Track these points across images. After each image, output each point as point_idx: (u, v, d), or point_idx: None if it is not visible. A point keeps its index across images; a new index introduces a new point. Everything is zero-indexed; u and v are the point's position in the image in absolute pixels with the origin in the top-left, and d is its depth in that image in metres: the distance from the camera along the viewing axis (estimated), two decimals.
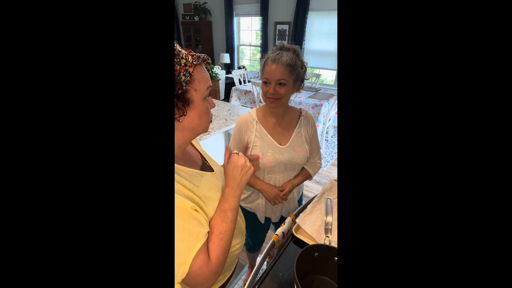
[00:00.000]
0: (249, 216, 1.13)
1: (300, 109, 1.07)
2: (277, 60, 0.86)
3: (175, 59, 0.48)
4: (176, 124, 0.54)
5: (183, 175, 0.56)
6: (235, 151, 0.67)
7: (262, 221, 1.15)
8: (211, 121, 0.61)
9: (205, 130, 0.60)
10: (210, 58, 0.58)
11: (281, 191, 1.04)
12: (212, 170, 0.69)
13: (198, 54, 0.52)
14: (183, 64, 0.49)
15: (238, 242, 0.72)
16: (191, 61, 0.50)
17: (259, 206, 1.11)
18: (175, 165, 0.56)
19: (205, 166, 0.69)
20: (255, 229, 1.21)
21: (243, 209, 1.14)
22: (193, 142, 0.76)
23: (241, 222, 0.76)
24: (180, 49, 0.50)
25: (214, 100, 0.64)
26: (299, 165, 1.05)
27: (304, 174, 1.08)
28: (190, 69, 0.50)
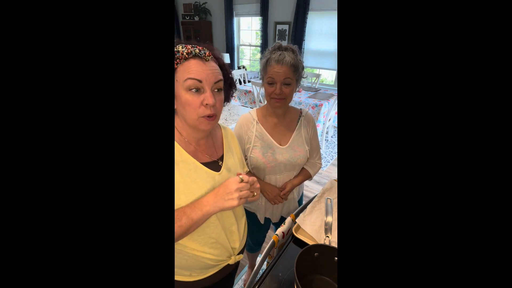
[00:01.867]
0: (249, 216, 1.12)
1: (301, 109, 1.07)
2: (281, 60, 0.87)
3: None
4: (177, 113, 0.62)
5: (175, 157, 0.60)
6: (241, 176, 0.60)
7: (262, 221, 1.14)
8: (209, 119, 0.60)
9: (194, 122, 0.60)
10: (206, 53, 0.59)
11: (281, 191, 1.04)
12: (218, 171, 0.68)
13: (187, 51, 0.57)
14: None
15: (216, 255, 0.69)
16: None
17: (259, 207, 1.11)
18: (177, 145, 0.62)
19: (215, 164, 0.69)
20: (255, 229, 1.21)
21: None
22: (227, 143, 0.77)
23: (224, 235, 0.71)
24: (181, 49, 0.57)
25: None
26: (299, 166, 1.05)
27: (304, 174, 1.08)
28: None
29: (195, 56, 0.57)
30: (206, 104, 0.58)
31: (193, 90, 0.57)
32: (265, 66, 0.91)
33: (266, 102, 1.01)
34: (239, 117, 1.04)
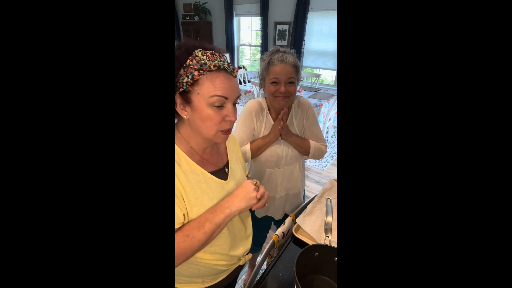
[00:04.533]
0: (252, 215, 1.13)
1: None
2: (284, 60, 0.88)
3: (189, 61, 0.53)
4: (187, 122, 0.60)
5: (184, 168, 0.58)
6: (255, 180, 0.67)
7: (259, 216, 1.14)
8: (225, 133, 0.60)
9: (212, 137, 0.60)
10: (235, 69, 0.57)
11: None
12: (225, 179, 0.68)
13: (214, 63, 0.54)
14: (190, 67, 0.53)
15: (228, 260, 0.70)
16: (192, 66, 0.53)
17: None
18: (184, 155, 0.60)
19: (222, 172, 0.68)
20: (256, 229, 1.21)
21: None
22: (230, 148, 0.76)
23: (235, 242, 0.71)
24: (201, 55, 0.54)
25: None
26: (297, 157, 1.06)
27: (305, 143, 1.03)
28: (194, 73, 0.53)
29: (222, 69, 0.55)
30: (228, 120, 0.58)
31: (217, 106, 0.56)
32: (267, 66, 0.91)
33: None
34: (248, 102, 1.02)
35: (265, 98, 1.03)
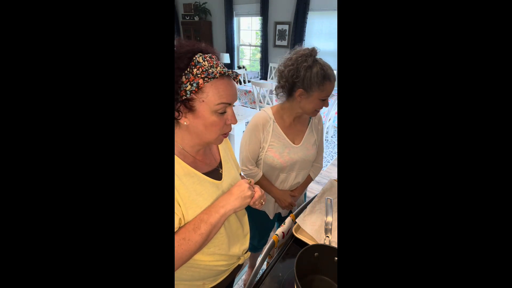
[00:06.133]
0: (257, 217, 1.14)
1: None
2: (334, 78, 0.89)
3: (190, 68, 0.52)
4: (184, 127, 0.58)
5: (177, 171, 0.57)
6: (250, 179, 0.66)
7: (271, 216, 1.16)
8: (225, 136, 0.62)
9: (213, 141, 0.61)
10: (238, 75, 0.58)
11: (292, 195, 1.10)
12: (219, 179, 0.67)
13: (219, 70, 0.53)
14: (193, 75, 0.52)
15: (227, 260, 0.70)
16: (196, 73, 0.52)
17: (269, 202, 1.12)
18: (177, 158, 0.58)
19: (215, 172, 0.68)
20: (262, 230, 1.22)
21: (249, 208, 1.12)
22: (222, 147, 0.75)
23: (233, 241, 0.71)
24: (202, 61, 0.53)
25: None
26: (310, 162, 1.08)
27: (308, 179, 1.15)
28: (199, 81, 0.52)
29: (225, 75, 0.55)
30: (229, 123, 0.60)
31: (220, 112, 0.56)
32: (323, 81, 0.86)
33: (275, 103, 1.02)
34: (254, 115, 1.02)
35: (271, 107, 1.01)
